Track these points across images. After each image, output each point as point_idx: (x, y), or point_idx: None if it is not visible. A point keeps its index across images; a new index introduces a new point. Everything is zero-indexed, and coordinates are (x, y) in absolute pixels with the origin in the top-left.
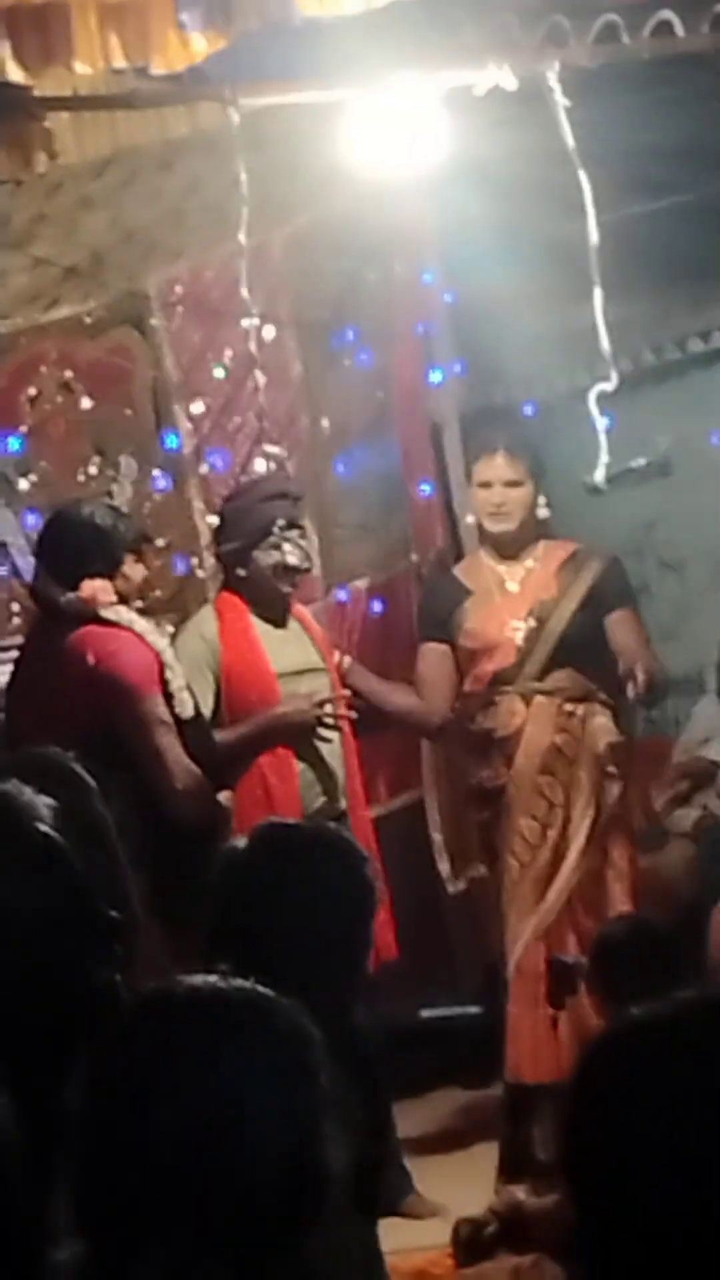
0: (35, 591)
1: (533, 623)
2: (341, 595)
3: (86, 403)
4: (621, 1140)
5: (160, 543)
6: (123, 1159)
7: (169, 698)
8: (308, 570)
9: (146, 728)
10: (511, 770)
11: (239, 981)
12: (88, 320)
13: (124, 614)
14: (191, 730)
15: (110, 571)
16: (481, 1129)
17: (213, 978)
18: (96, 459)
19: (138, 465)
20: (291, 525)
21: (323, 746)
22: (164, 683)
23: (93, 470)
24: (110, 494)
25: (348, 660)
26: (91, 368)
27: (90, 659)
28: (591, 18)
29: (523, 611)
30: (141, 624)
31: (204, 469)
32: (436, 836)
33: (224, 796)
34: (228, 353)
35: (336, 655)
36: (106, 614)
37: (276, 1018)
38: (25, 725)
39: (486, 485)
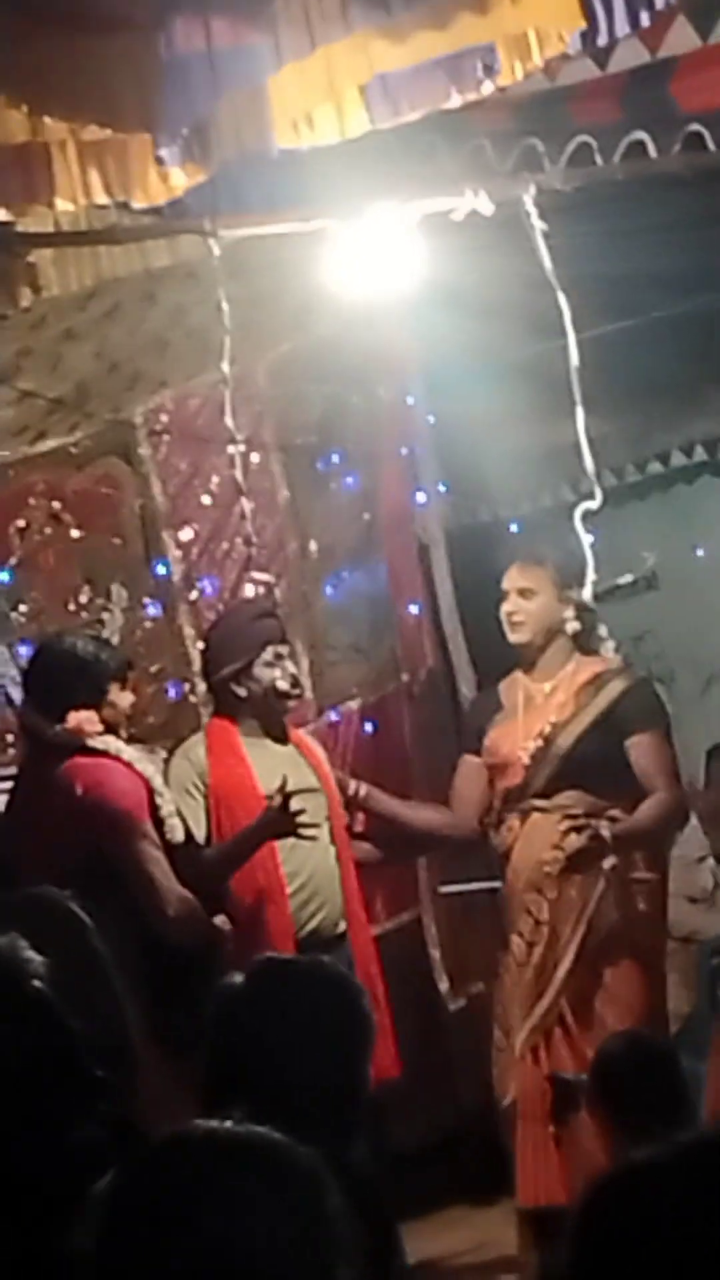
0: (23, 724)
1: (540, 743)
2: (333, 716)
3: (75, 533)
4: None
5: (152, 669)
6: None
7: (159, 824)
8: (298, 695)
9: (137, 856)
10: (503, 887)
11: (255, 1127)
12: (75, 451)
13: (111, 743)
14: (183, 855)
15: (96, 701)
16: (490, 1247)
17: (228, 1123)
18: (87, 588)
19: (128, 593)
20: (278, 646)
21: (318, 867)
22: (154, 809)
23: (83, 599)
24: (101, 623)
25: (364, 789)
26: (80, 498)
27: (78, 789)
28: (564, 139)
29: (536, 730)
30: (130, 752)
31: (194, 595)
32: (435, 954)
33: (220, 920)
34: (215, 479)
35: (352, 785)
36: (94, 744)
37: (294, 1165)
38: (19, 856)
39: (505, 596)
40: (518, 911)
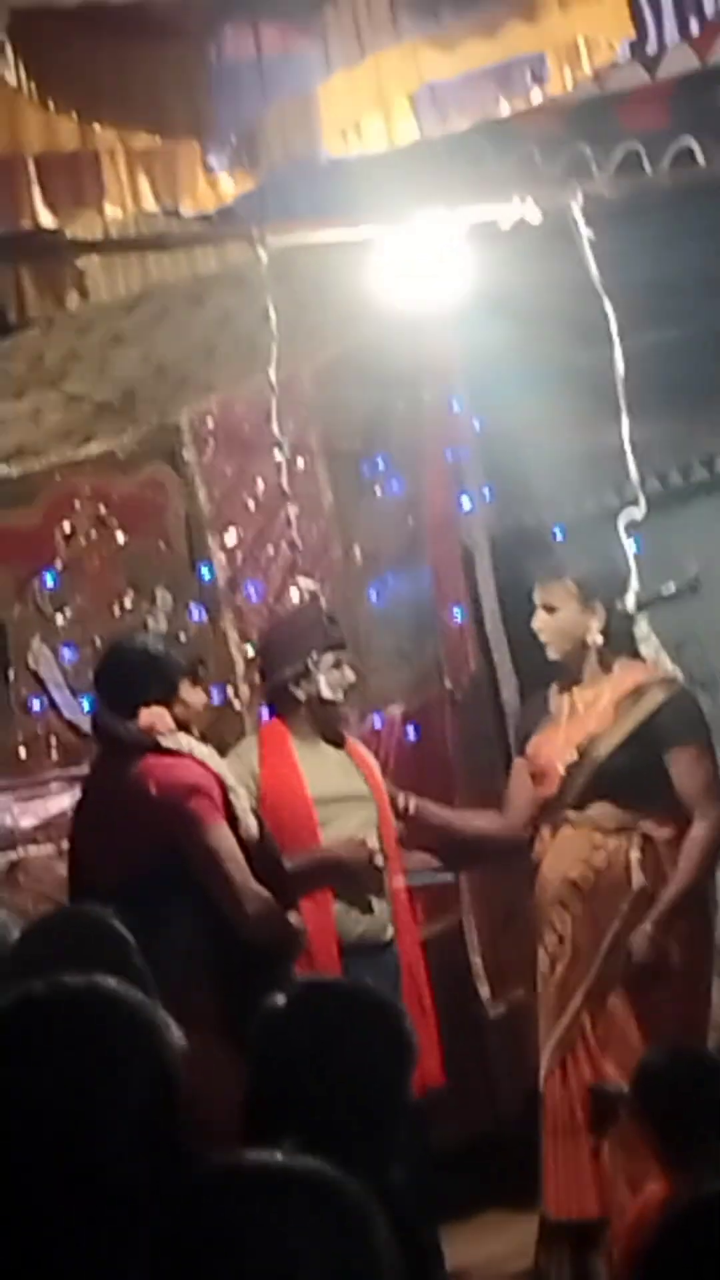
0: (95, 723)
1: (576, 754)
2: (376, 722)
3: (121, 537)
4: None
5: None
6: None
7: (234, 820)
8: (345, 702)
9: (213, 856)
10: (531, 899)
11: (306, 1159)
12: (121, 455)
13: (183, 741)
14: (258, 851)
15: (168, 698)
16: (527, 1254)
17: (279, 1155)
18: (131, 592)
19: (173, 598)
20: (332, 652)
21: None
22: (228, 806)
23: (128, 604)
24: (145, 627)
25: (413, 802)
26: (125, 502)
27: (153, 789)
28: (613, 145)
29: (575, 740)
30: (202, 750)
31: (239, 600)
32: (476, 960)
33: (295, 919)
34: (259, 484)
35: (402, 798)
36: (166, 742)
37: (344, 1199)
38: (93, 857)
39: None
40: (543, 925)
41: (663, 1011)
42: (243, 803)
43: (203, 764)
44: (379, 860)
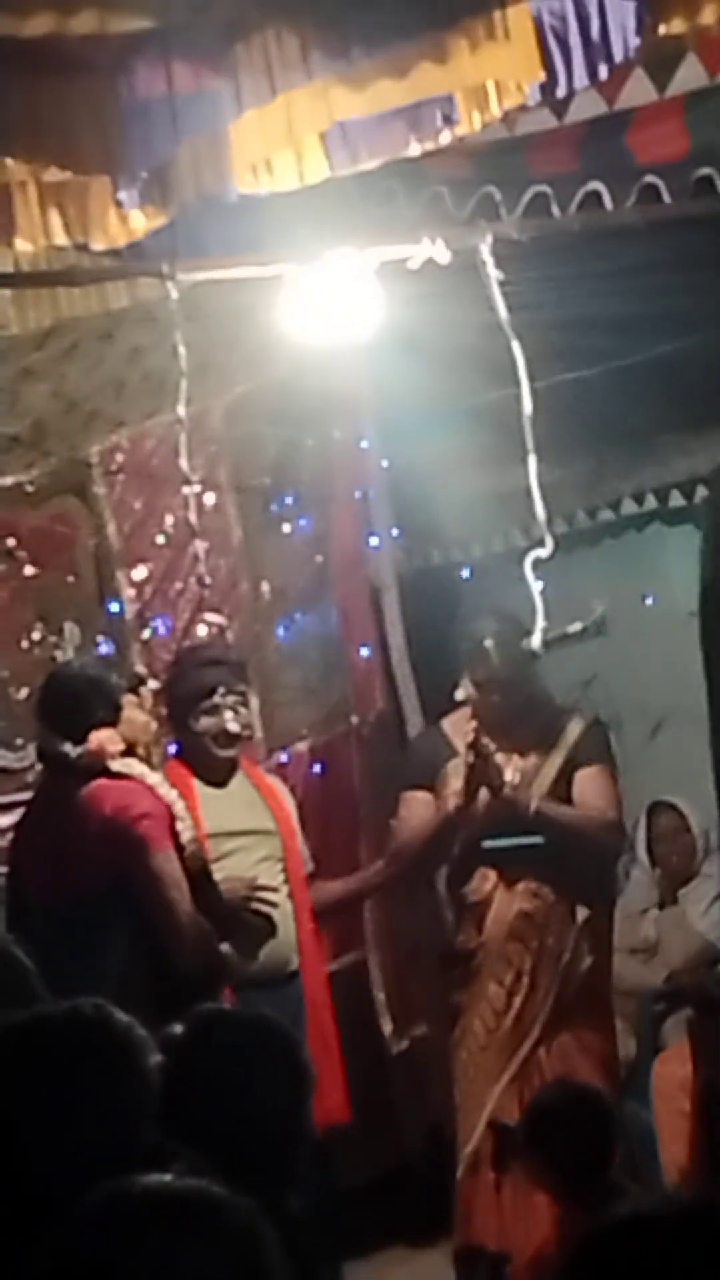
0: (41, 749)
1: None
2: (283, 757)
3: (30, 570)
4: None
5: None
6: None
7: (180, 849)
8: (248, 737)
9: (159, 881)
10: (482, 936)
11: (193, 1181)
12: (30, 489)
13: (135, 766)
14: (200, 882)
15: (113, 719)
16: None
17: (167, 1177)
18: (40, 626)
19: (81, 631)
20: (231, 691)
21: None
22: (175, 834)
23: (36, 636)
24: (54, 660)
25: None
26: (34, 535)
27: (106, 810)
28: (522, 188)
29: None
30: (153, 776)
31: (146, 634)
32: (379, 996)
33: (225, 948)
34: (169, 519)
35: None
36: (117, 766)
37: (231, 1220)
38: (32, 879)
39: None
40: (497, 960)
41: (595, 1048)
42: (189, 832)
43: (152, 790)
44: (277, 896)
